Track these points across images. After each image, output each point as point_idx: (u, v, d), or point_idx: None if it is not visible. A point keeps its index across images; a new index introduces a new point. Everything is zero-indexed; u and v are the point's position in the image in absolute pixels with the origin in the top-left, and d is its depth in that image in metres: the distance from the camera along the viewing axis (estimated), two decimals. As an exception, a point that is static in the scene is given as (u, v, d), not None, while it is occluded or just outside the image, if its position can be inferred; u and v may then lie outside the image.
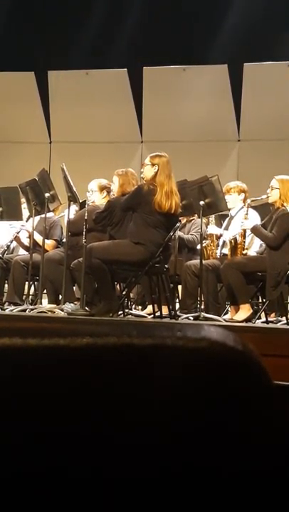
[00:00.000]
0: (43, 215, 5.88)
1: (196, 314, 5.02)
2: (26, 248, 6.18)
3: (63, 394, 0.54)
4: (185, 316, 5.14)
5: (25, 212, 6.05)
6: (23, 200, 5.99)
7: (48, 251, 5.92)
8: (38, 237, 5.90)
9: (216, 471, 0.54)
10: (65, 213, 5.77)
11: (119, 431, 0.54)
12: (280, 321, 5.54)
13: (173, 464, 0.54)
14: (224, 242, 5.74)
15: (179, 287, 5.87)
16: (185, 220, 6.04)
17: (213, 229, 5.83)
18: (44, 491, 0.54)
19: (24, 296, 6.01)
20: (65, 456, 0.54)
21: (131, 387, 0.53)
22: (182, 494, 0.54)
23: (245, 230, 5.35)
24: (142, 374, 0.53)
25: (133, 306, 6.34)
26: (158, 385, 0.53)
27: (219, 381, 0.53)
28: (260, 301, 5.87)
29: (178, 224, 5.33)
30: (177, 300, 5.88)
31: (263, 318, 5.52)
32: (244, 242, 5.36)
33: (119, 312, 5.13)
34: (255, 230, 5.26)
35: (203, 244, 5.59)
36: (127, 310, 5.47)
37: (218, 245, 5.81)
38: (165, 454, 0.54)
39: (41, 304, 5.55)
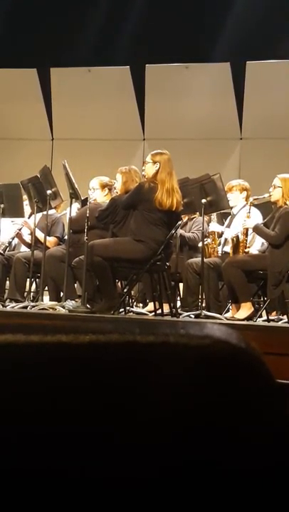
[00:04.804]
0: (44, 212, 5.88)
1: (197, 312, 5.02)
2: (28, 245, 6.18)
3: (66, 391, 0.54)
4: (186, 314, 5.14)
5: (27, 209, 6.05)
6: (24, 197, 6.00)
7: (49, 248, 5.92)
8: (40, 234, 5.90)
9: (217, 470, 0.54)
10: (67, 211, 5.77)
11: (121, 428, 0.54)
12: (281, 319, 5.54)
13: (174, 462, 0.54)
14: (226, 240, 5.74)
15: (180, 285, 5.86)
16: (186, 218, 6.04)
17: (214, 226, 5.83)
18: (46, 491, 0.54)
19: (25, 293, 6.02)
20: (67, 454, 0.54)
21: (133, 384, 0.53)
22: (183, 493, 0.54)
23: (247, 229, 5.34)
24: (145, 371, 0.53)
25: (134, 304, 6.34)
26: (160, 382, 0.53)
27: (222, 379, 0.53)
28: (262, 299, 5.87)
29: (179, 222, 5.32)
30: (178, 298, 5.88)
31: (264, 317, 5.52)
32: (246, 240, 5.36)
33: (120, 310, 5.13)
34: (257, 229, 5.26)
35: (205, 243, 5.59)
36: (128, 308, 5.47)
37: (219, 243, 5.81)
38: (167, 452, 0.54)
39: (42, 301, 5.56)
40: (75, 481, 0.54)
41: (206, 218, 5.66)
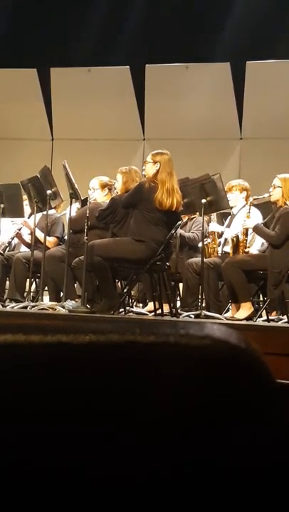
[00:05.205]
0: (44, 212, 5.88)
1: (197, 312, 5.02)
2: (28, 245, 6.18)
3: (66, 391, 0.54)
4: (186, 314, 5.14)
5: (27, 209, 6.05)
6: (24, 197, 6.00)
7: (49, 248, 5.92)
8: (40, 234, 5.90)
9: (217, 470, 0.54)
10: (67, 211, 5.77)
11: (121, 429, 0.54)
12: (281, 319, 5.54)
13: (174, 462, 0.54)
14: (226, 240, 5.74)
15: (180, 285, 5.87)
16: (186, 218, 6.04)
17: (214, 226, 5.83)
18: (46, 491, 0.54)
19: (25, 293, 6.02)
20: (67, 454, 0.54)
21: (133, 384, 0.53)
22: (183, 493, 0.54)
23: (247, 229, 5.35)
24: (145, 371, 0.53)
25: (134, 304, 6.34)
26: (160, 382, 0.53)
27: (222, 379, 0.53)
28: (262, 299, 5.87)
29: (179, 222, 5.32)
30: (178, 298, 5.88)
31: (264, 317, 5.52)
32: (246, 240, 5.36)
33: (120, 310, 5.13)
34: (257, 229, 5.26)
35: (205, 243, 5.59)
36: (128, 308, 5.47)
37: (219, 243, 5.81)
38: (167, 452, 0.54)
39: (42, 301, 5.56)
40: (75, 481, 0.54)
41: (206, 218, 5.66)
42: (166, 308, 5.20)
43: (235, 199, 5.73)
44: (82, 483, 0.54)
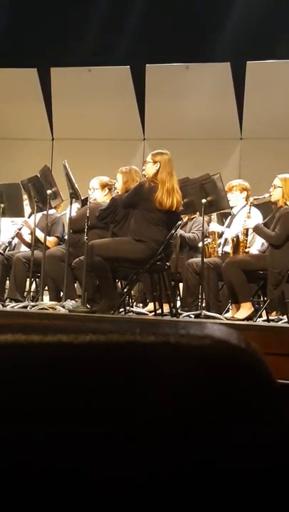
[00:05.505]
0: (44, 212, 5.88)
1: (197, 312, 5.02)
2: (28, 245, 6.18)
3: (66, 391, 0.54)
4: (186, 314, 5.14)
5: (27, 209, 6.05)
6: (24, 196, 6.00)
7: (49, 248, 5.92)
8: (40, 234, 5.91)
9: (217, 470, 0.54)
10: (67, 211, 5.78)
11: (121, 429, 0.54)
12: (281, 319, 5.54)
13: (174, 462, 0.54)
14: (226, 240, 5.74)
15: (180, 285, 5.87)
16: (187, 218, 6.04)
17: (214, 226, 5.83)
18: (46, 491, 0.54)
19: (25, 293, 6.02)
20: (67, 454, 0.54)
21: (134, 384, 0.53)
22: (183, 493, 0.54)
23: (247, 229, 5.35)
24: (145, 371, 0.53)
25: (134, 304, 6.33)
26: (160, 382, 0.53)
27: (222, 379, 0.53)
28: (262, 299, 5.87)
29: (179, 222, 5.32)
30: (178, 298, 5.88)
31: (264, 317, 5.52)
32: (246, 240, 5.36)
33: (120, 310, 5.13)
34: (257, 229, 5.26)
35: (205, 243, 5.59)
36: (128, 308, 5.47)
37: (219, 243, 5.81)
38: (167, 452, 0.54)
39: (42, 300, 5.56)
40: (75, 481, 0.54)
41: (206, 218, 5.65)
42: (166, 308, 5.20)
43: (236, 199, 5.73)
44: (82, 483, 0.54)
